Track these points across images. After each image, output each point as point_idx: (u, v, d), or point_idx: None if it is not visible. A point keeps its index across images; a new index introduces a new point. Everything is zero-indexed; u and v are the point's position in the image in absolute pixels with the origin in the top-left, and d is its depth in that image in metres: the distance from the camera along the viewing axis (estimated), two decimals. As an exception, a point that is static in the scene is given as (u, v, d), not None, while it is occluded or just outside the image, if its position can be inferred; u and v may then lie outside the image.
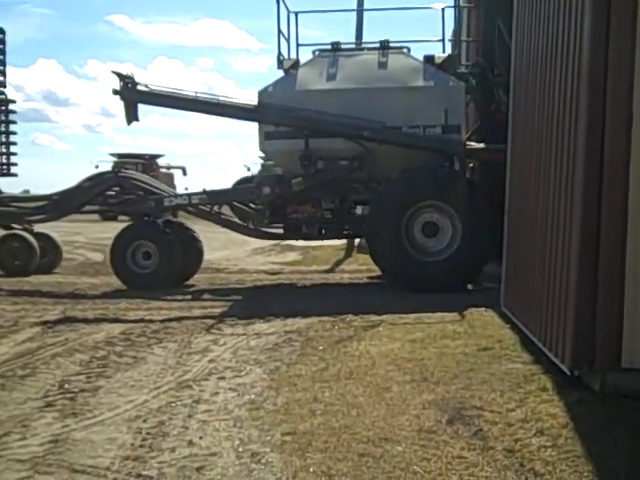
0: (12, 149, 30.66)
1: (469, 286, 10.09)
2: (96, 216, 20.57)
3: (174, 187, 28.88)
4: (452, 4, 11.77)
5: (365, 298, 9.32)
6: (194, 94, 10.90)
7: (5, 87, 29.78)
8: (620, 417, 4.22)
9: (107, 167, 24.51)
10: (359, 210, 11.28)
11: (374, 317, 7.76)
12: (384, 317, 7.72)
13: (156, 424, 4.51)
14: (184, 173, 37.52)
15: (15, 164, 30.57)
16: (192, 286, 11.18)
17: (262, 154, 12.28)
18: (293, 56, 11.09)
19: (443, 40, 11.03)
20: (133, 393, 5.21)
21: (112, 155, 34.62)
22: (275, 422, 4.46)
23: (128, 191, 11.38)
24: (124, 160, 31.93)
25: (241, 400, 4.98)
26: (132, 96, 11.00)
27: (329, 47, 11.03)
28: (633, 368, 4.59)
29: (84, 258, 15.78)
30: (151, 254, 10.80)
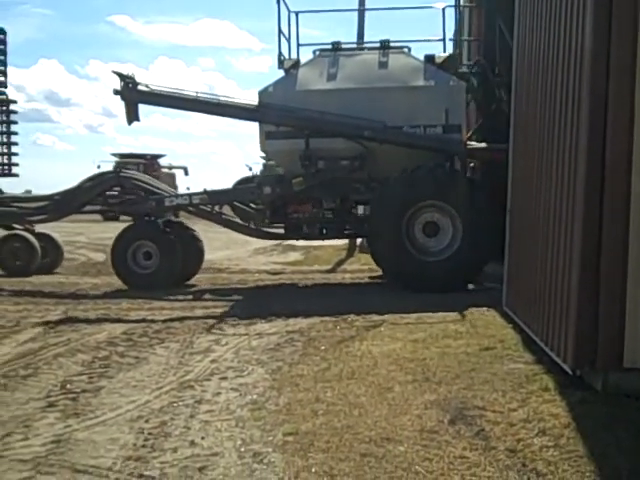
0: (13, 149, 30.76)
1: (471, 286, 10.10)
2: (98, 216, 20.61)
3: (176, 187, 28.91)
4: (453, 4, 11.77)
5: (367, 298, 9.32)
6: (194, 94, 10.91)
7: (6, 87, 29.83)
8: (622, 417, 4.21)
9: (109, 167, 24.49)
10: (360, 210, 11.29)
11: (376, 317, 7.76)
12: (386, 317, 7.72)
13: (158, 424, 4.51)
14: (186, 173, 37.57)
15: (16, 164, 30.67)
16: (194, 286, 11.19)
17: (263, 154, 12.28)
18: (294, 56, 11.10)
19: (444, 40, 11.04)
20: (135, 393, 5.21)
21: (114, 155, 34.70)
22: (277, 422, 4.47)
23: (129, 191, 11.39)
24: (126, 160, 31.99)
25: (243, 400, 4.99)
26: (133, 96, 11.02)
27: (329, 47, 11.04)
28: (635, 368, 4.58)
29: (86, 258, 15.80)
30: (152, 254, 10.82)
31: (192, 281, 11.53)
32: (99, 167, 27.70)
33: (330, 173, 10.52)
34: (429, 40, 11.78)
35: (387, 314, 7.84)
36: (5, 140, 30.10)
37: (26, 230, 12.49)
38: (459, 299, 8.56)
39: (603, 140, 4.57)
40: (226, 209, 11.78)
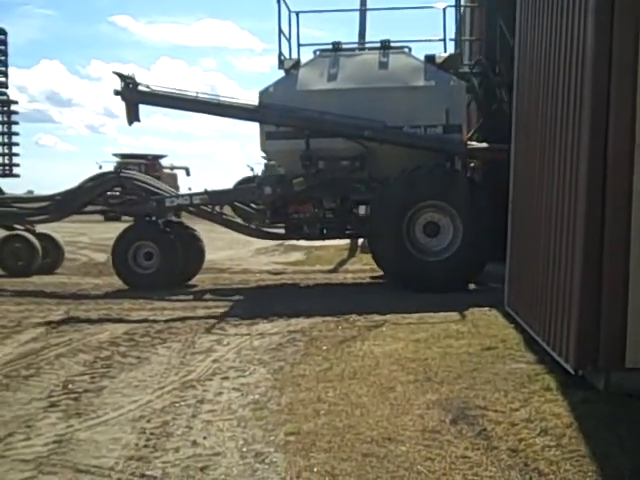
0: (14, 150, 30.84)
1: (473, 286, 10.09)
2: (100, 217, 20.64)
3: (177, 187, 28.92)
4: (453, 3, 11.76)
5: (369, 298, 9.32)
6: (195, 94, 10.92)
7: (7, 88, 29.92)
8: (624, 416, 4.21)
9: (110, 167, 24.48)
10: (362, 210, 11.29)
11: (378, 317, 7.76)
12: (388, 317, 7.72)
13: (160, 424, 4.51)
14: (187, 173, 37.62)
15: (17, 165, 30.77)
16: (195, 286, 11.20)
17: (264, 154, 12.31)
18: (294, 56, 11.10)
19: (444, 39, 11.03)
20: (137, 393, 5.22)
21: (115, 155, 34.77)
22: (279, 422, 4.47)
23: (130, 191, 11.41)
24: (127, 160, 32.03)
25: (245, 400, 4.99)
26: (133, 96, 11.03)
27: (330, 47, 11.04)
28: (637, 367, 4.58)
29: (88, 258, 15.82)
30: (152, 254, 10.82)
31: (194, 281, 11.54)
32: (101, 167, 27.73)
33: (330, 173, 10.52)
34: (430, 40, 11.77)
35: (389, 314, 7.84)
36: (6, 140, 30.17)
37: (27, 230, 12.51)
38: (461, 299, 8.56)
39: (605, 140, 4.56)
40: (227, 209, 11.80)
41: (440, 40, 11.02)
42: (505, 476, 3.57)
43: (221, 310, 8.76)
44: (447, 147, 10.36)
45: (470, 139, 11.04)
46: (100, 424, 4.55)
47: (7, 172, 30.07)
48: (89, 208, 12.17)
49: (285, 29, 10.97)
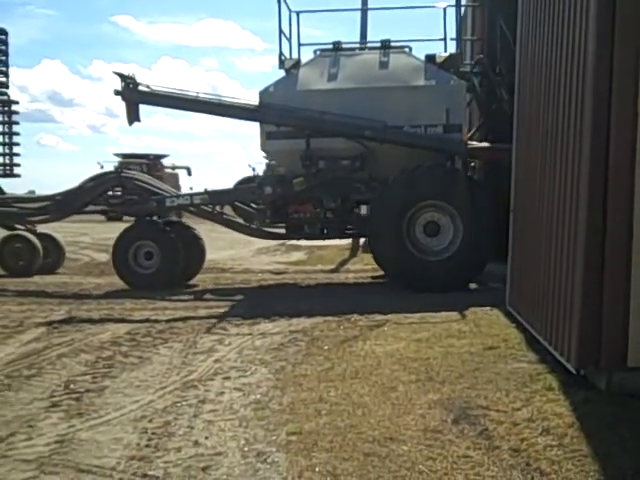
0: (15, 150, 30.87)
1: (474, 285, 10.09)
2: (102, 217, 20.67)
3: (179, 187, 28.95)
4: (454, 3, 11.72)
5: (370, 298, 9.32)
6: (195, 94, 10.92)
7: (8, 88, 29.94)
8: (626, 416, 4.21)
9: (112, 167, 24.49)
10: (364, 210, 11.28)
11: (379, 317, 7.76)
12: (389, 317, 7.72)
13: (162, 424, 4.52)
14: (189, 173, 37.61)
15: (18, 165, 30.80)
16: (197, 286, 11.20)
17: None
18: (295, 56, 11.09)
19: (445, 39, 11.01)
20: (139, 393, 5.22)
21: (117, 155, 34.81)
22: (281, 422, 4.47)
23: (130, 191, 11.41)
24: (129, 160, 32.04)
25: (247, 400, 4.99)
26: (133, 96, 11.03)
27: (330, 47, 11.03)
28: (639, 367, 4.58)
29: (90, 258, 15.83)
30: (153, 254, 10.82)
31: (195, 281, 11.54)
32: (102, 167, 27.77)
33: (331, 173, 10.52)
34: (430, 40, 11.78)
35: (390, 314, 7.84)
36: (7, 140, 30.21)
37: (28, 230, 12.52)
38: (462, 299, 8.56)
39: (606, 140, 4.56)
40: (227, 209, 11.80)
41: (441, 40, 11.03)
42: (507, 476, 3.57)
43: (223, 310, 8.77)
44: (447, 147, 10.35)
45: (470, 139, 11.03)
46: (102, 424, 4.55)
47: (8, 172, 30.11)
48: (90, 208, 12.16)
49: (285, 29, 10.98)
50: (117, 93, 10.98)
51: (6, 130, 30.09)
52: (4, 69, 29.07)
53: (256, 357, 6.25)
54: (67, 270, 13.38)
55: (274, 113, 10.35)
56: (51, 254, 12.98)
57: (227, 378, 5.58)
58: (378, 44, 11.06)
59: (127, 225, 11.59)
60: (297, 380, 5.42)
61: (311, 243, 14.66)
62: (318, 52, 11.07)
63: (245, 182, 12.95)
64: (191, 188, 20.91)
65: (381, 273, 11.26)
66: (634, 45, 4.46)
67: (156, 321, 8.03)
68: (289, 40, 11.06)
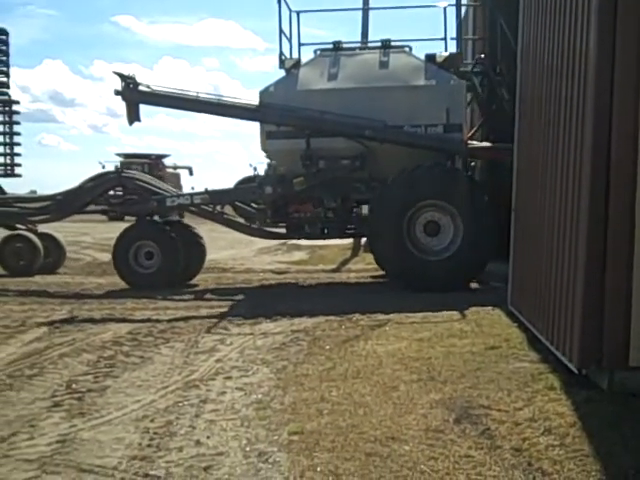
0: (16, 150, 30.84)
1: (476, 285, 10.08)
2: (103, 216, 20.67)
3: (180, 187, 28.95)
4: (455, 3, 11.71)
5: (372, 297, 9.32)
6: (195, 94, 10.92)
7: (9, 88, 29.93)
8: (628, 416, 4.21)
9: (113, 167, 24.50)
10: (365, 210, 11.26)
11: (381, 316, 7.76)
12: (391, 316, 7.72)
13: (163, 424, 4.52)
14: (190, 173, 37.65)
15: (19, 165, 30.77)
16: (198, 285, 11.20)
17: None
18: (295, 56, 11.09)
19: (445, 39, 11.00)
20: (140, 393, 5.22)
21: (118, 155, 34.80)
22: (282, 421, 4.47)
23: (131, 191, 11.41)
24: (130, 160, 32.05)
25: (248, 399, 4.99)
26: (134, 96, 11.04)
27: (330, 46, 11.03)
28: (641, 366, 4.57)
29: (91, 258, 15.84)
30: (153, 254, 10.83)
31: (197, 280, 11.54)
32: (104, 167, 27.78)
33: (331, 173, 10.52)
34: (430, 39, 11.78)
35: (392, 313, 7.84)
36: (8, 140, 30.19)
37: (29, 230, 12.53)
38: (464, 298, 8.56)
39: (608, 139, 4.56)
40: (228, 209, 11.80)
41: (441, 39, 11.03)
42: (509, 475, 3.57)
43: (224, 309, 8.77)
44: (448, 146, 10.34)
45: (471, 138, 11.02)
46: (103, 424, 4.56)
47: (9, 172, 30.08)
48: (90, 208, 12.16)
49: (286, 29, 10.98)
50: (117, 93, 10.99)
51: (7, 130, 30.07)
52: (5, 69, 29.04)
53: (258, 357, 6.25)
54: (69, 270, 13.40)
55: (274, 113, 10.35)
56: (52, 254, 12.99)
57: (229, 378, 5.58)
58: (378, 44, 11.06)
59: (128, 225, 11.60)
60: (299, 380, 5.42)
61: (312, 243, 14.66)
62: (318, 52, 11.08)
63: (245, 182, 12.93)
64: (193, 188, 20.87)
65: (382, 273, 11.25)
66: (636, 35, 4.45)
67: (158, 321, 8.03)
68: (289, 40, 11.07)
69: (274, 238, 12.23)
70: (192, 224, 12.29)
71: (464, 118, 10.60)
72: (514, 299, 7.34)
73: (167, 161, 36.04)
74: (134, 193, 11.38)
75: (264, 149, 11.07)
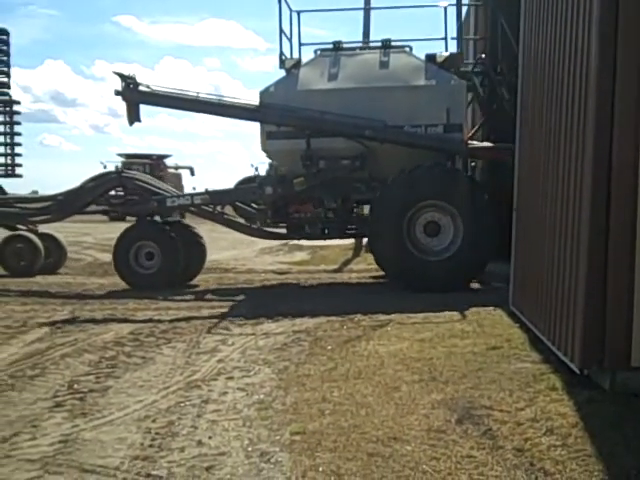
0: (17, 150, 30.83)
1: (477, 285, 10.07)
2: (105, 217, 20.68)
3: (182, 187, 28.96)
4: (455, 2, 11.70)
5: (373, 298, 9.32)
6: (195, 94, 10.92)
7: (9, 88, 29.93)
8: (630, 416, 4.21)
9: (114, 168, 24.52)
10: (366, 210, 11.27)
11: (382, 317, 7.76)
12: (392, 317, 7.72)
13: (165, 424, 4.52)
14: (192, 173, 37.68)
15: (20, 165, 30.76)
16: (200, 286, 11.21)
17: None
18: (296, 56, 11.09)
19: (445, 39, 11.00)
20: (142, 393, 5.22)
21: (120, 155, 34.80)
22: (284, 422, 4.47)
23: (131, 191, 11.42)
24: (132, 160, 32.05)
25: (250, 400, 4.99)
26: (134, 97, 11.04)
27: (331, 46, 11.03)
28: (643, 367, 4.57)
29: (93, 258, 15.86)
30: (154, 254, 10.83)
31: (198, 281, 11.55)
32: (105, 167, 27.76)
33: (331, 173, 10.52)
34: (431, 39, 11.76)
35: (394, 314, 7.84)
36: (9, 141, 30.18)
37: (29, 230, 12.54)
38: (465, 298, 8.56)
39: (609, 147, 4.57)
40: (228, 209, 11.80)
41: (441, 39, 11.02)
42: (511, 476, 3.57)
43: (226, 310, 8.77)
44: (448, 146, 10.34)
45: (471, 138, 11.02)
46: (105, 424, 4.56)
47: (10, 172, 30.07)
48: (91, 208, 12.17)
49: (286, 29, 10.98)
50: (117, 93, 11.00)
51: (8, 130, 30.07)
52: (5, 69, 29.02)
53: (259, 357, 6.25)
54: (70, 270, 13.41)
55: (274, 113, 10.35)
56: (52, 254, 13.00)
57: (230, 378, 5.58)
58: (378, 44, 11.06)
59: (129, 225, 11.61)
60: (300, 380, 5.42)
61: (314, 243, 14.66)
62: (318, 52, 11.07)
63: (246, 182, 12.94)
64: (194, 188, 20.89)
65: (383, 273, 11.25)
66: (637, 46, 4.45)
67: (159, 321, 8.03)
68: (290, 40, 11.07)
69: (274, 238, 12.23)
70: (192, 224, 12.30)
71: (464, 118, 10.60)
72: (515, 299, 7.34)
73: (169, 161, 36.12)
74: (134, 193, 11.39)
75: (264, 149, 11.08)
